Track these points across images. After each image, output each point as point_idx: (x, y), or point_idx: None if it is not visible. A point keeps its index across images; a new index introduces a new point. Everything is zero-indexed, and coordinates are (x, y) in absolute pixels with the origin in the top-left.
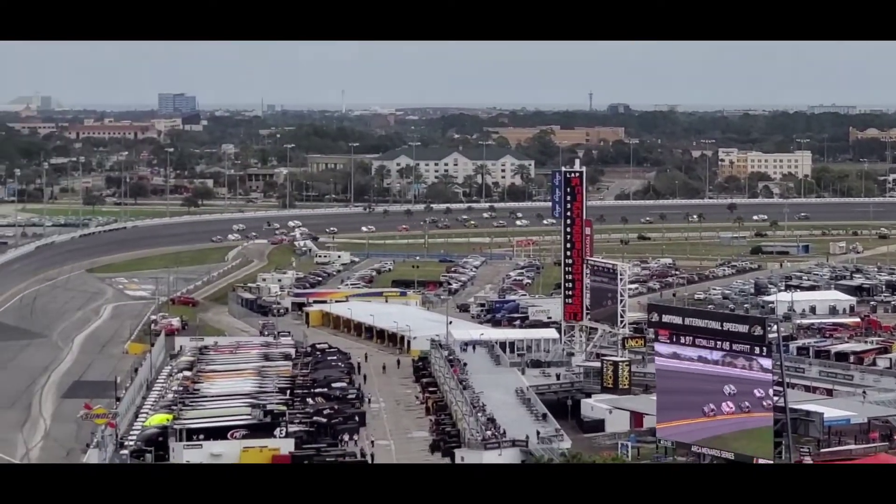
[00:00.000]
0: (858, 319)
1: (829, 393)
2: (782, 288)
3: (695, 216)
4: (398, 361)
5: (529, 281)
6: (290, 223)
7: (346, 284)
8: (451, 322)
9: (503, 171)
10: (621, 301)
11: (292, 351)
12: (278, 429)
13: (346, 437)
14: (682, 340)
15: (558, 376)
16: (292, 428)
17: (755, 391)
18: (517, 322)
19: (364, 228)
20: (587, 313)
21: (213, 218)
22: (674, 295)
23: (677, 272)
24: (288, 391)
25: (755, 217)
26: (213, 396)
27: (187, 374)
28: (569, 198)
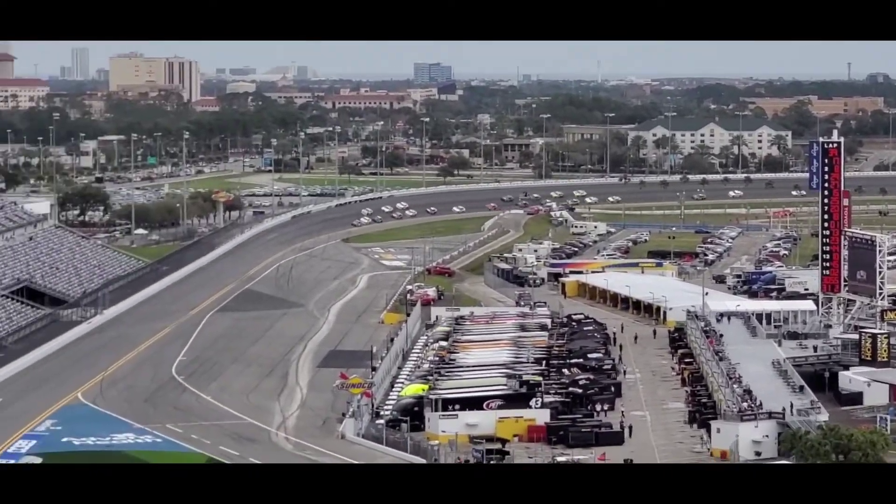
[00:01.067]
0: None
1: None
2: None
3: None
4: (654, 332)
5: (786, 252)
6: (455, 209)
7: (603, 255)
8: (707, 293)
9: (760, 141)
10: (880, 273)
11: (548, 321)
12: (534, 399)
13: (601, 408)
14: None
15: (815, 348)
16: (548, 398)
17: None
18: (773, 293)
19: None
20: (845, 285)
21: (469, 188)
22: None
23: None
24: (544, 361)
25: None
26: (468, 366)
27: (443, 344)
28: (826, 168)
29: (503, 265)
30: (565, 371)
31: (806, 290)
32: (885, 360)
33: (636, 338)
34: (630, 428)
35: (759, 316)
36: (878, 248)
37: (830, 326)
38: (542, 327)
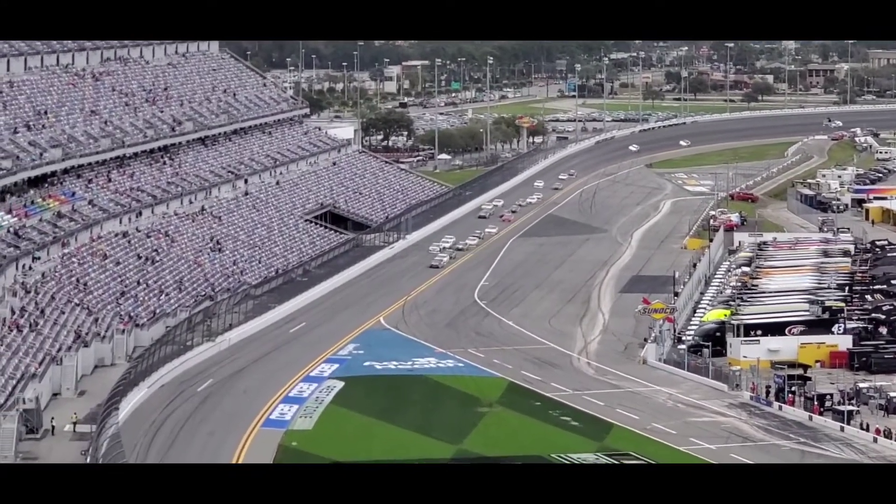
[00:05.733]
0: None
1: None
2: None
3: None
4: None
5: None
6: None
7: None
8: None
9: None
10: None
11: (851, 247)
12: (836, 325)
13: None
14: None
15: None
16: (850, 324)
17: None
18: None
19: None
20: None
21: (773, 114)
22: None
23: None
24: (846, 287)
25: None
26: (771, 292)
27: (746, 269)
28: None
29: (807, 191)
30: (868, 297)
31: None
32: None
33: None
34: None
35: None
36: None
37: None
38: (845, 253)
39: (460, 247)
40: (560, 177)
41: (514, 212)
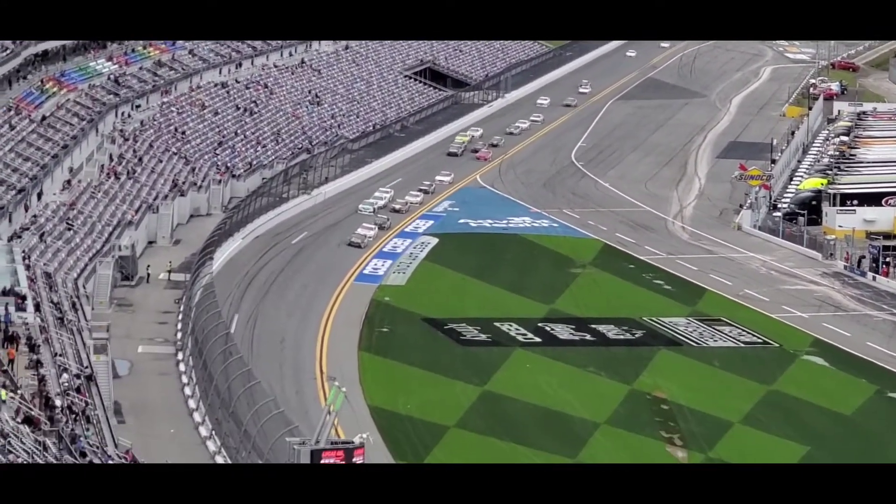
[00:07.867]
0: None
1: None
2: None
3: None
4: None
5: None
6: None
7: None
8: None
9: None
10: None
11: None
12: None
13: None
14: None
15: None
16: None
17: None
18: None
19: None
20: None
21: None
22: None
23: None
24: None
25: None
26: (868, 162)
27: (844, 139)
28: None
29: None
30: None
31: None
32: None
33: None
34: None
35: None
36: None
37: None
38: None
39: (397, 207)
40: (581, 90)
41: (494, 145)
